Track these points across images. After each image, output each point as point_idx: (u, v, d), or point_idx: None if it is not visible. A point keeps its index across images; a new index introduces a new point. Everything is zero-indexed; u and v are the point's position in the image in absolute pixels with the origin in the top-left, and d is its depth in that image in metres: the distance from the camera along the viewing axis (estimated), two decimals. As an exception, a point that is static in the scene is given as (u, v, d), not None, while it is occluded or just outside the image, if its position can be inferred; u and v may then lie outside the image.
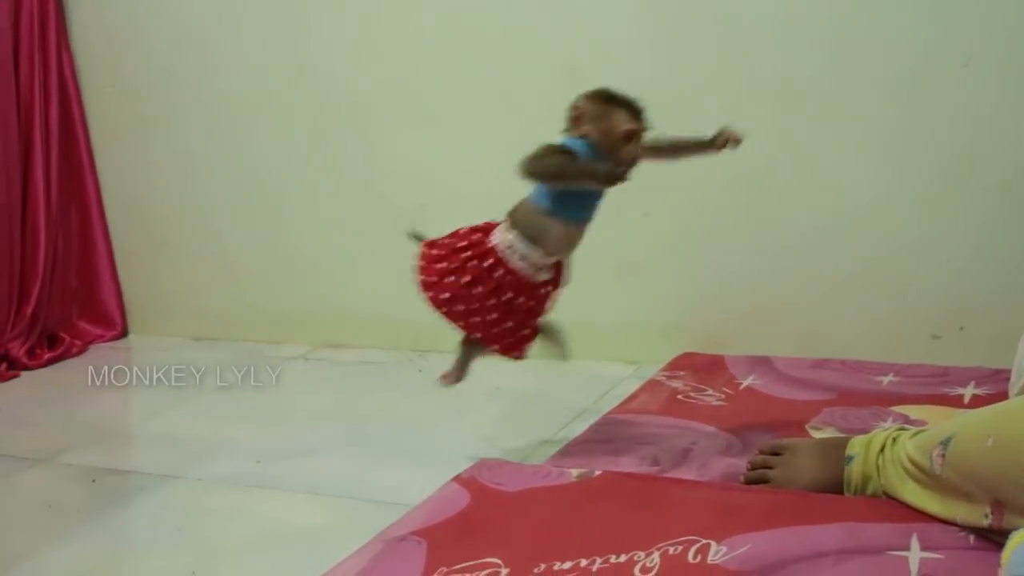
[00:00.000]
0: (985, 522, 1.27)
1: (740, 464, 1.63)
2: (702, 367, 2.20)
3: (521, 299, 1.68)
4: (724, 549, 1.32)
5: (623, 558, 1.32)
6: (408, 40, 2.50)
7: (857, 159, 2.20)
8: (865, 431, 1.56)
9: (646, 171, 2.29)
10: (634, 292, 2.38)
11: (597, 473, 1.59)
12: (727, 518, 1.40)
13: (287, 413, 2.22)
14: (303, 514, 1.66)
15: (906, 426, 1.54)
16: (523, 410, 2.11)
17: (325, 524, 1.62)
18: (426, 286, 1.68)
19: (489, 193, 2.43)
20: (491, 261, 1.65)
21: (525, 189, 1.66)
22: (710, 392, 2.05)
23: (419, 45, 2.50)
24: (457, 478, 1.62)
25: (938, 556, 1.28)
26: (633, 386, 2.13)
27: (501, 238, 1.66)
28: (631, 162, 1.66)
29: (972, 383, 2.01)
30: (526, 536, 1.41)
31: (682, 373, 2.17)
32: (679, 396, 2.03)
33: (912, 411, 1.87)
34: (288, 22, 2.63)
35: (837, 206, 2.22)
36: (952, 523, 1.33)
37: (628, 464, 1.70)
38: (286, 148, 2.70)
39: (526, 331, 1.73)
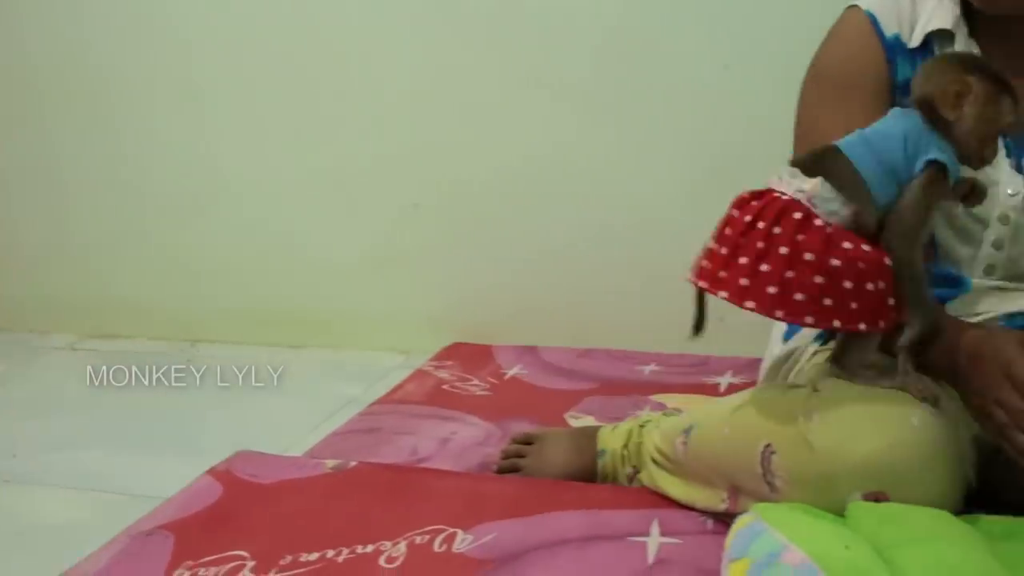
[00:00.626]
0: (722, 506, 1.33)
1: (496, 454, 1.64)
2: (470, 357, 2.22)
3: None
4: (470, 538, 1.34)
5: (370, 548, 1.32)
6: (180, 27, 2.43)
7: (626, 156, 2.24)
8: (622, 420, 1.60)
9: (415, 162, 2.31)
10: (405, 282, 2.38)
11: (352, 464, 1.59)
12: (476, 507, 1.42)
13: (49, 405, 2.13)
14: (57, 509, 1.61)
15: (652, 415, 1.59)
16: (290, 400, 2.09)
17: (80, 519, 1.56)
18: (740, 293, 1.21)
19: (267, 181, 2.43)
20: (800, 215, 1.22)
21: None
22: (475, 382, 2.07)
23: (191, 31, 2.43)
24: (211, 470, 1.59)
25: (677, 541, 1.33)
26: (402, 376, 2.13)
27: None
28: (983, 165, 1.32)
29: (730, 372, 2.08)
30: (276, 528, 1.40)
31: (450, 363, 2.19)
32: (444, 386, 2.04)
33: (670, 399, 1.93)
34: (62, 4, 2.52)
35: (606, 201, 2.26)
36: (693, 508, 1.38)
37: (388, 454, 1.70)
38: (55, 131, 2.60)
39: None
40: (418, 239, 2.35)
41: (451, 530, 1.36)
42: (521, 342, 2.31)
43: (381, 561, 1.29)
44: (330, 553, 1.31)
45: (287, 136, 2.38)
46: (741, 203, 1.25)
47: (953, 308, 1.42)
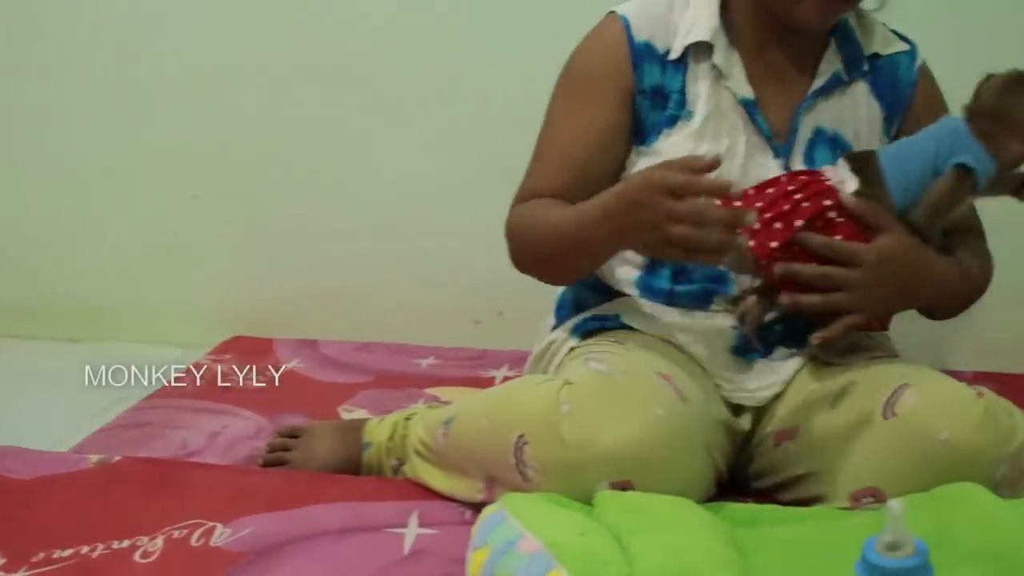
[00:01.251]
0: (479, 497, 1.37)
1: (264, 448, 1.65)
2: (249, 351, 2.21)
3: None
4: (229, 531, 1.35)
5: (126, 543, 1.32)
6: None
7: (407, 150, 2.27)
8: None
9: (194, 153, 2.29)
10: (184, 275, 2.35)
11: (116, 458, 1.57)
12: (238, 501, 1.43)
13: None
14: None
15: (419, 407, 1.63)
16: (63, 396, 2.04)
17: None
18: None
19: (40, 169, 2.35)
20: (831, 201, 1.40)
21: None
22: (252, 376, 2.06)
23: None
24: (-31, 468, 1.56)
25: (434, 532, 1.36)
26: (180, 370, 2.11)
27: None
28: None
29: (506, 365, 2.13)
30: (32, 525, 1.38)
31: (228, 357, 2.17)
32: (221, 380, 2.03)
33: (445, 392, 1.97)
34: None
35: (387, 194, 2.29)
36: (454, 499, 1.42)
37: (157, 449, 1.69)
38: None
39: None
40: (198, 231, 2.33)
41: (210, 524, 1.36)
42: (302, 335, 2.31)
43: (136, 556, 1.29)
44: (85, 549, 1.30)
45: (60, 124, 2.32)
46: (792, 176, 1.44)
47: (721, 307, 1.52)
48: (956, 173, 1.36)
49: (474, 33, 2.21)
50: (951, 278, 1.47)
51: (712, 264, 1.38)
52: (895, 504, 0.92)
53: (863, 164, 1.41)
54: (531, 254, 1.53)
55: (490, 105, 2.22)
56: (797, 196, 1.39)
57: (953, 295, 1.51)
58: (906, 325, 1.55)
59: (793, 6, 1.47)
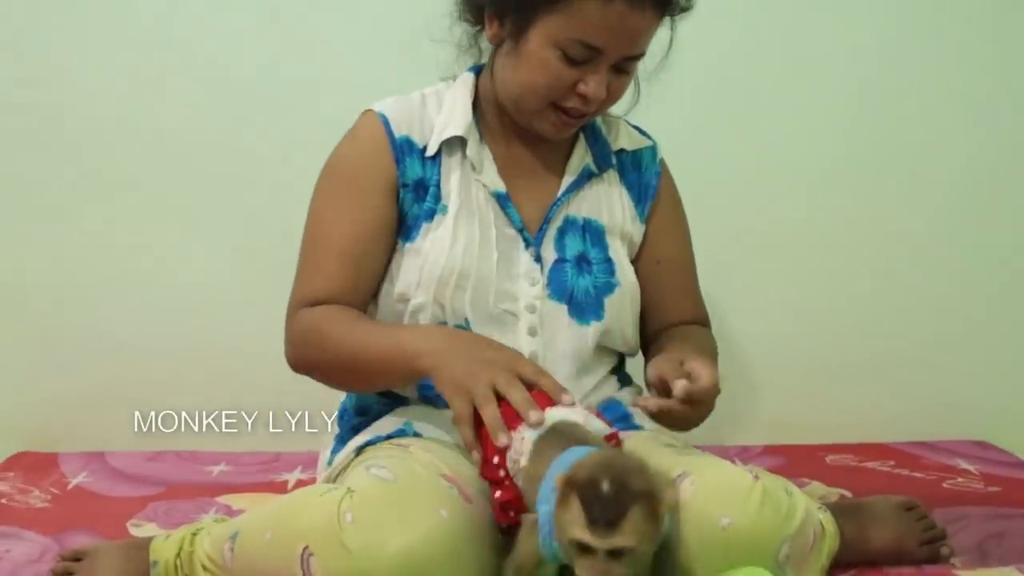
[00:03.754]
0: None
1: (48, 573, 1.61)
2: (33, 467, 2.15)
3: None
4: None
5: None
6: None
7: (174, 238, 2.30)
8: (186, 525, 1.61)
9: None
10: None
11: None
12: (19, 633, 1.39)
13: None
14: None
15: (206, 522, 1.60)
16: None
17: None
18: None
19: None
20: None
21: None
22: (36, 494, 2.00)
23: None
24: None
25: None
26: (-41, 491, 2.04)
27: None
28: None
29: (299, 467, 2.14)
30: None
31: (11, 475, 2.11)
32: (3, 500, 1.96)
33: (236, 500, 1.95)
34: None
35: (160, 288, 2.28)
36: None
37: (-68, 581, 1.63)
38: None
39: None
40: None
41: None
42: (89, 448, 2.26)
43: None
44: None
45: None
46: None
47: None
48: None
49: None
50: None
51: None
52: None
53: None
54: (315, 362, 1.56)
55: (261, 206, 2.26)
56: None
57: None
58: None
59: (532, 120, 1.59)
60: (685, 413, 1.41)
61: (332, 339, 1.53)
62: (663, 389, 1.44)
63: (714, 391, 1.42)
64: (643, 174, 1.72)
